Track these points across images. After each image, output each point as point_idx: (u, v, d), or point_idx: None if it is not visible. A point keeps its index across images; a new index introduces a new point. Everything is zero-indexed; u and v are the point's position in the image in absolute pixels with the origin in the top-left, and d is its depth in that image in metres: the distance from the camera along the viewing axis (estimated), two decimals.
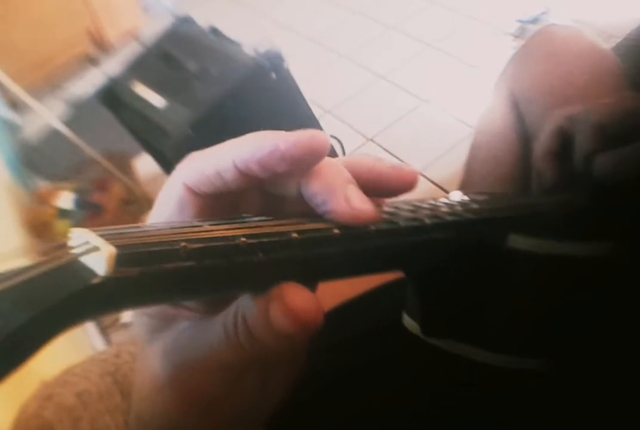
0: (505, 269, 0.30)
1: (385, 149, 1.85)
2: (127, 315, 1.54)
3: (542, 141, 0.45)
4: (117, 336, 1.55)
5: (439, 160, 1.72)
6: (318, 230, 0.24)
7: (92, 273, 0.19)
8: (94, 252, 0.19)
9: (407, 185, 0.28)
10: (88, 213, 1.71)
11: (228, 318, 0.24)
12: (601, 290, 0.32)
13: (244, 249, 0.22)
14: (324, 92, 2.06)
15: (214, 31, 1.85)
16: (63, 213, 1.68)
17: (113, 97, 1.64)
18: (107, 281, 0.19)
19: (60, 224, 1.65)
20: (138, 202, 1.80)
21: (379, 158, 0.28)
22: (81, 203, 1.73)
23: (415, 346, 0.33)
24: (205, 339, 0.25)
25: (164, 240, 0.21)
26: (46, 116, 1.78)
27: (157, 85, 1.63)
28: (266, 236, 0.22)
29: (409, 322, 0.33)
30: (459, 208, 0.29)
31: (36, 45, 2.27)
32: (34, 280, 0.18)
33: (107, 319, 1.59)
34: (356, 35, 2.32)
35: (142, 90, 1.65)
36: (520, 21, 2.06)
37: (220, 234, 0.22)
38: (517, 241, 0.30)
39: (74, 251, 0.20)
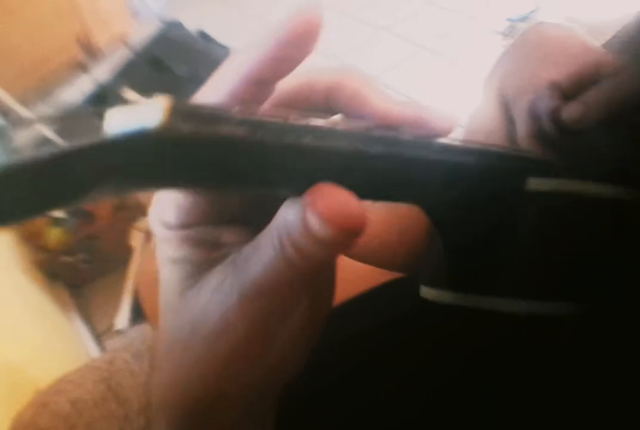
0: (528, 211, 0.29)
1: None
2: (120, 323, 1.54)
3: (518, 126, 0.45)
4: (112, 343, 1.54)
5: None
6: (368, 129, 0.23)
7: (149, 121, 0.18)
8: (149, 104, 0.18)
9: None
10: (80, 220, 1.70)
11: (273, 232, 0.23)
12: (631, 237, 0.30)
13: (295, 127, 0.21)
14: None
15: (203, 35, 1.85)
16: (56, 221, 1.67)
17: (103, 103, 1.64)
18: (160, 132, 0.18)
19: (53, 232, 1.64)
20: (130, 208, 1.79)
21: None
22: (73, 211, 1.72)
23: (420, 346, 0.32)
24: (256, 262, 0.24)
25: (220, 107, 0.20)
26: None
27: (146, 91, 1.63)
28: (316, 121, 0.22)
29: (428, 291, 0.31)
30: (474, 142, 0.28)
31: (25, 53, 2.26)
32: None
33: (102, 326, 1.59)
34: (346, 37, 2.32)
35: (132, 96, 1.64)
36: (510, 20, 2.06)
37: (273, 113, 0.21)
38: (538, 183, 0.28)
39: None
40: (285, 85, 0.27)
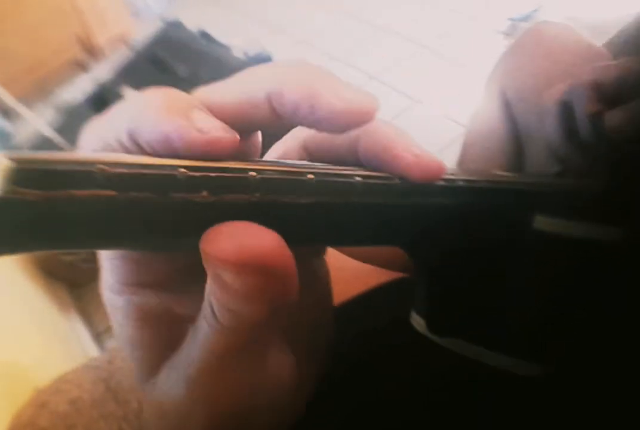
0: (528, 254, 0.26)
1: None
2: None
3: (549, 124, 0.42)
4: (111, 343, 1.54)
5: None
6: (288, 172, 0.19)
7: None
8: None
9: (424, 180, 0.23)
10: None
11: (205, 302, 0.21)
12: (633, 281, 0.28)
13: (183, 183, 0.17)
14: None
15: (204, 35, 1.85)
16: None
17: (103, 103, 1.64)
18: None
19: None
20: None
21: (402, 133, 0.23)
22: None
23: (422, 346, 0.32)
24: (194, 341, 0.22)
25: (80, 160, 0.16)
26: (37, 123, 1.78)
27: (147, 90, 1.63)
28: (215, 170, 0.18)
29: (416, 319, 0.29)
30: (471, 177, 0.24)
31: (25, 52, 2.26)
32: None
33: (101, 325, 1.59)
34: (347, 36, 2.32)
35: (133, 96, 1.64)
36: (511, 19, 2.06)
37: (154, 161, 0.17)
38: (543, 222, 0.25)
39: None
40: (221, 105, 0.23)
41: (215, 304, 0.20)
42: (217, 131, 0.20)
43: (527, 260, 0.26)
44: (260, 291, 0.18)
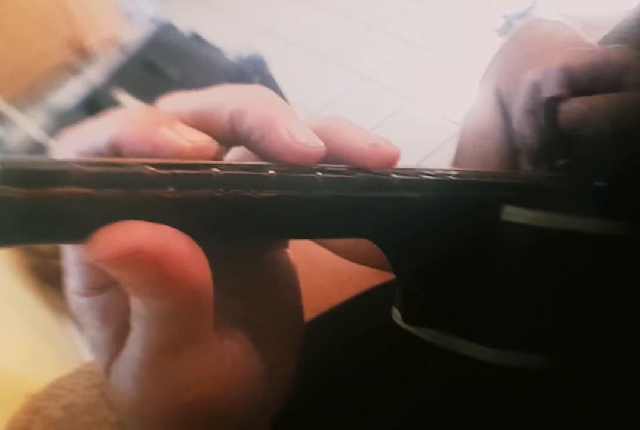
0: (499, 245, 0.26)
1: None
2: None
3: (518, 100, 0.42)
4: None
5: (426, 160, 1.72)
6: (250, 167, 0.21)
7: None
8: None
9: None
10: None
11: None
12: (614, 274, 0.28)
13: (151, 180, 0.18)
14: (309, 95, 2.06)
15: (196, 37, 1.84)
16: None
17: (96, 106, 1.63)
18: None
19: None
20: None
21: (357, 128, 0.25)
22: None
23: (418, 347, 0.31)
24: (134, 336, 0.23)
25: (59, 161, 0.18)
26: (29, 128, 1.77)
27: (139, 93, 1.63)
28: (180, 167, 0.19)
29: (395, 313, 0.29)
30: (439, 171, 0.25)
31: (15, 56, 2.25)
32: None
33: None
34: (339, 36, 2.32)
35: (125, 99, 1.64)
36: (506, 16, 2.06)
37: (124, 161, 0.19)
38: (512, 213, 0.26)
39: None
40: (186, 109, 0.24)
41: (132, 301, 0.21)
42: (205, 141, 0.22)
43: (497, 251, 0.27)
44: (146, 282, 0.19)
